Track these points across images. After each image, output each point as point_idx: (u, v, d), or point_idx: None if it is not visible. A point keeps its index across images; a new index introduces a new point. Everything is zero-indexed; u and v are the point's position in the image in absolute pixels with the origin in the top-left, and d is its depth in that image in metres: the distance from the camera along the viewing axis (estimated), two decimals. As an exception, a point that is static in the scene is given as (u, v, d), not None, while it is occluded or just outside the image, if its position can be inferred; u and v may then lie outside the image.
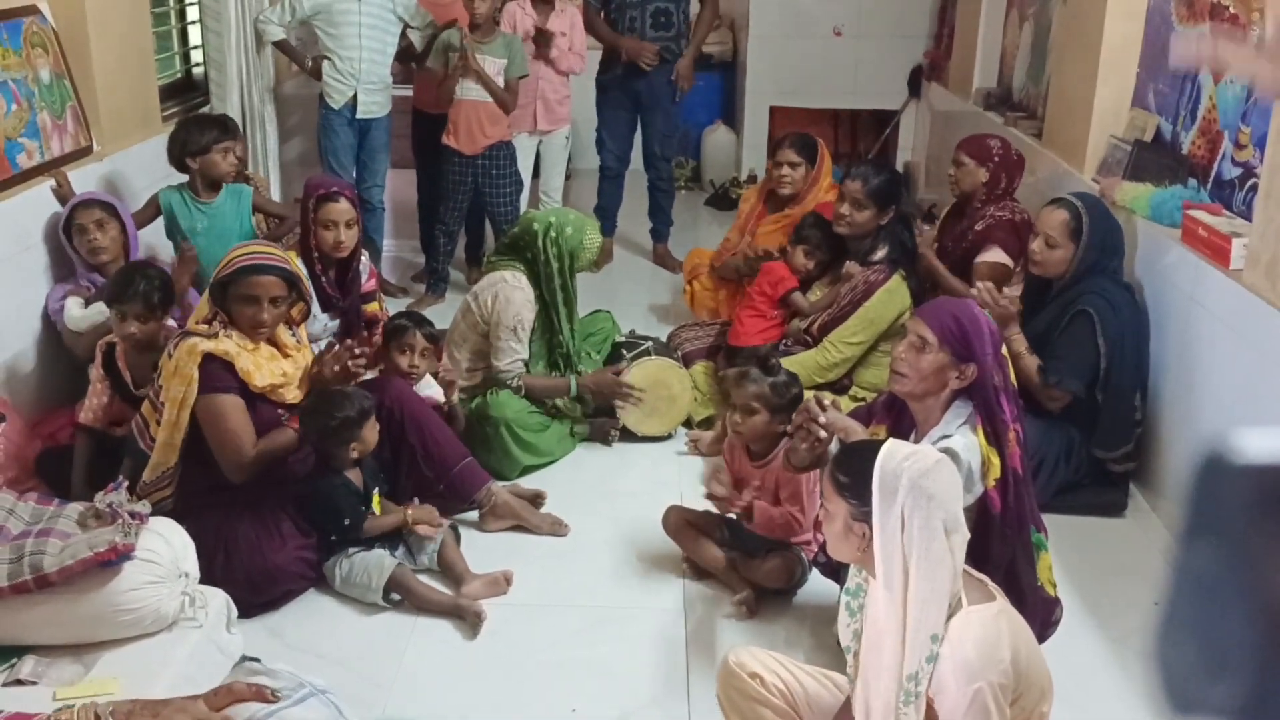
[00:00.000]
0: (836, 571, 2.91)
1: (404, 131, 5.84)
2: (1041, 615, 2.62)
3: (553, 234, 3.89)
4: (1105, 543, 3.48)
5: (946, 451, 2.55)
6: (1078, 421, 3.63)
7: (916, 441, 2.68)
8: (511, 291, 3.87)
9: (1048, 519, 2.74)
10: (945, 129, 6.78)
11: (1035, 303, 3.82)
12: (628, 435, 4.10)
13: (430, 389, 3.66)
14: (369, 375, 3.59)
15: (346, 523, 3.11)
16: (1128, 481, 3.71)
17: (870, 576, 2.18)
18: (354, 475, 3.19)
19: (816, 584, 3.13)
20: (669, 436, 4.13)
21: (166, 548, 2.51)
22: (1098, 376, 3.57)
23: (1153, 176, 4.00)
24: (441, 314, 4.66)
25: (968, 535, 2.04)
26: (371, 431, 3.19)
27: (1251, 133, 3.50)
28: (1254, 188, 3.46)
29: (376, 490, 3.26)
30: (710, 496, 3.13)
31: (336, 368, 3.20)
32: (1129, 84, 4.41)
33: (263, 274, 3.08)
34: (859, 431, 2.64)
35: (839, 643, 2.87)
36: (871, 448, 2.06)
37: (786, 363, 3.90)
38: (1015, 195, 4.35)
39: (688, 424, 4.18)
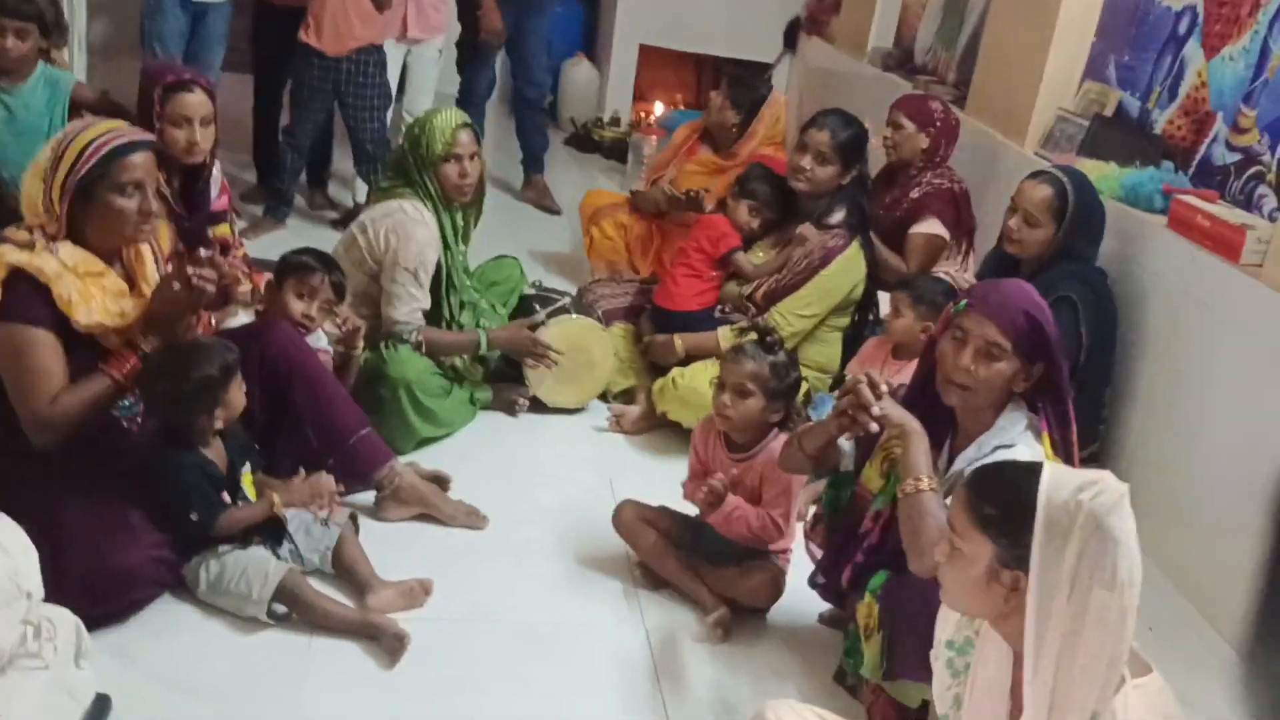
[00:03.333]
0: (842, 596, 2.45)
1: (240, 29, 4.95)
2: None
3: (415, 130, 3.24)
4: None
5: (1012, 465, 2.13)
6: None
7: (958, 451, 2.25)
8: (412, 226, 3.17)
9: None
10: (825, 89, 6.41)
11: (999, 284, 3.46)
12: (535, 406, 3.49)
13: (318, 340, 2.94)
14: (239, 318, 2.85)
15: (194, 517, 2.39)
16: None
17: (978, 630, 1.72)
18: (213, 450, 2.47)
19: (786, 600, 2.66)
20: (583, 409, 3.55)
21: (2, 558, 1.75)
22: (1075, 369, 3.25)
23: (1115, 155, 3.71)
24: (283, 245, 3.87)
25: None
26: (238, 393, 2.48)
27: (1258, 116, 3.23)
28: (1257, 176, 3.20)
29: (247, 467, 2.55)
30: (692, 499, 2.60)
31: (177, 285, 2.40)
32: (1083, 54, 4.12)
33: (136, 153, 2.33)
34: (917, 427, 2.15)
35: (840, 680, 2.45)
36: (1027, 471, 1.58)
37: (729, 329, 3.42)
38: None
39: (603, 397, 3.62)
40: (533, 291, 3.70)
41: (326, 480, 2.56)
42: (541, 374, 3.43)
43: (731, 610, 2.60)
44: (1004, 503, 1.57)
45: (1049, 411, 2.19)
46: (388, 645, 2.36)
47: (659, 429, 3.47)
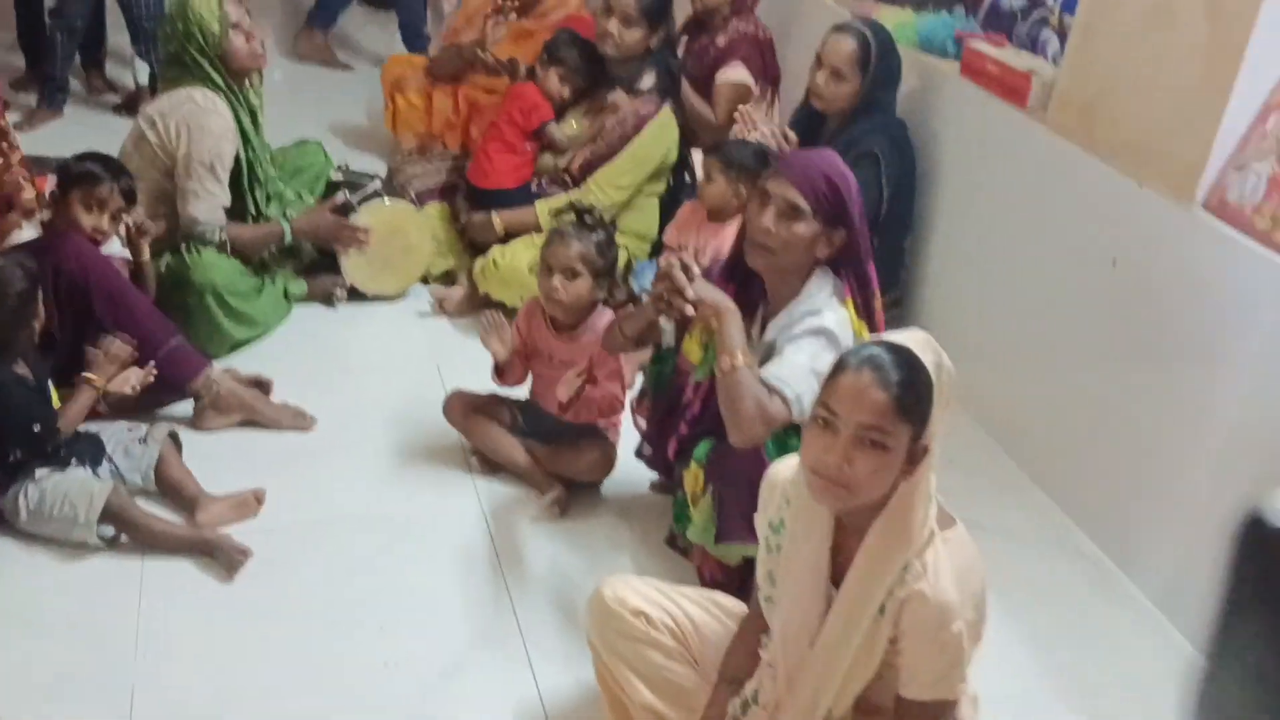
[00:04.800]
0: (669, 467, 2.54)
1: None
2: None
3: (177, 24, 3.03)
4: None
5: (821, 331, 2.23)
6: (853, 267, 3.44)
7: (770, 318, 2.33)
8: (204, 117, 3.00)
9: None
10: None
11: (808, 140, 3.52)
12: (355, 295, 3.42)
13: (111, 247, 2.79)
14: (25, 232, 2.68)
15: (37, 429, 2.32)
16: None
17: (789, 500, 1.81)
18: (21, 368, 2.37)
19: (618, 472, 2.75)
20: (404, 295, 3.50)
21: None
22: (877, 219, 3.38)
23: (911, 1, 3.78)
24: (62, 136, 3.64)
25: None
26: (41, 303, 2.39)
27: (1042, -39, 3.32)
28: (1042, 20, 3.32)
29: (49, 382, 2.46)
30: (561, 404, 2.63)
31: None
32: (876, -102, 4.12)
33: None
34: (731, 307, 2.22)
35: (671, 544, 2.57)
36: (908, 351, 1.64)
37: (546, 206, 3.41)
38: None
39: (424, 280, 3.56)
40: (340, 177, 3.57)
41: (117, 345, 2.49)
42: (358, 262, 3.35)
43: (567, 487, 2.67)
44: (917, 385, 1.62)
45: (850, 276, 2.28)
46: (225, 560, 2.34)
47: (483, 310, 3.46)
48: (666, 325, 2.47)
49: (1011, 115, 3.14)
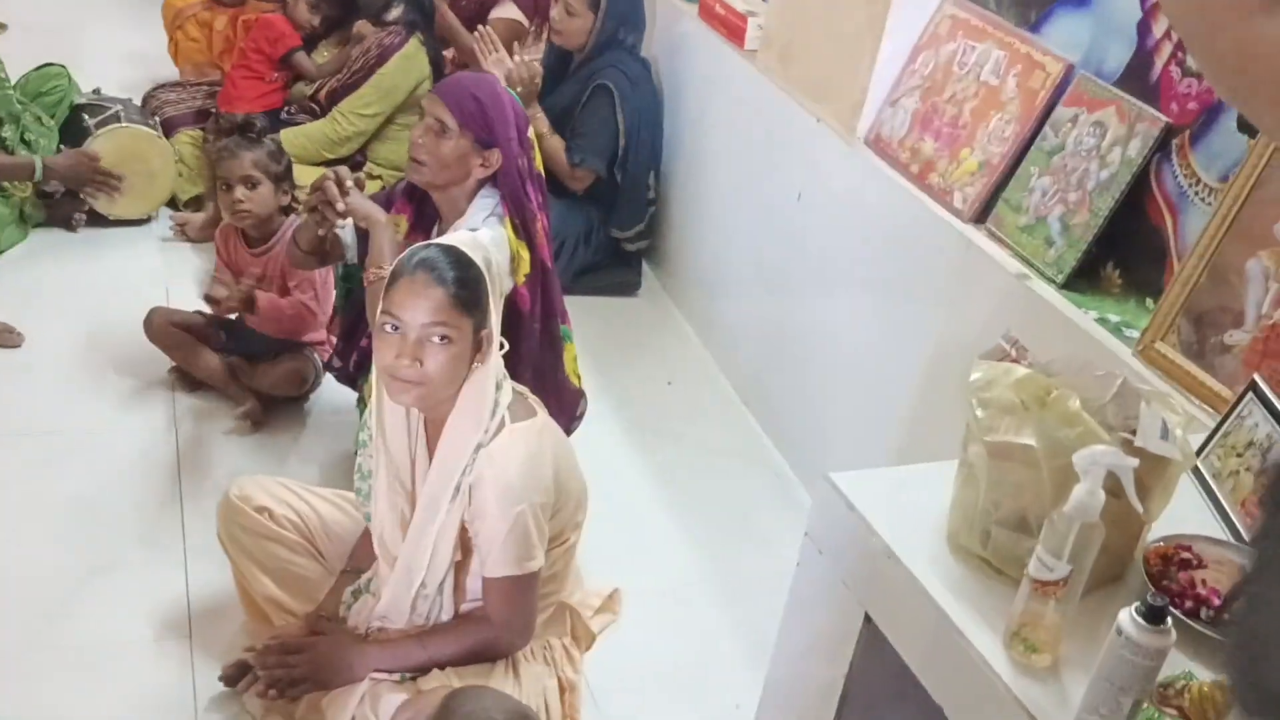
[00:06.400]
0: (354, 379, 2.64)
1: None
2: (568, 409, 2.55)
3: None
4: (622, 322, 3.50)
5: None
6: (598, 201, 3.57)
7: (440, 234, 2.43)
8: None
9: (568, 301, 2.62)
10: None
11: (557, 76, 3.63)
12: (96, 219, 3.44)
13: None
14: None
15: None
16: (641, 260, 3.75)
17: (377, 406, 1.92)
18: None
19: (330, 389, 2.84)
20: (149, 220, 3.52)
21: None
22: (617, 155, 3.50)
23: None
24: None
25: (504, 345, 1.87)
26: None
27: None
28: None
29: None
30: (210, 299, 2.68)
31: None
32: None
33: None
34: (382, 218, 2.32)
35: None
36: (468, 253, 1.77)
37: (291, 133, 3.46)
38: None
39: (173, 205, 3.59)
40: (84, 100, 3.56)
41: None
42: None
43: (265, 403, 2.75)
44: (468, 281, 1.75)
45: (508, 198, 2.39)
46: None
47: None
48: (349, 238, 2.56)
49: (732, 56, 3.28)
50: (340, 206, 2.29)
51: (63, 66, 3.61)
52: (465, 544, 1.87)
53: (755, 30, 3.23)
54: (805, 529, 1.54)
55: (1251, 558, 0.83)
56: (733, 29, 3.30)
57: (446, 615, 1.93)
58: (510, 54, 3.43)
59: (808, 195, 2.89)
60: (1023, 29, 2.38)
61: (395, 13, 3.55)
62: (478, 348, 1.79)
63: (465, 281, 1.75)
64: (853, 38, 2.71)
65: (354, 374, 2.62)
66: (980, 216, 2.33)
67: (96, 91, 3.67)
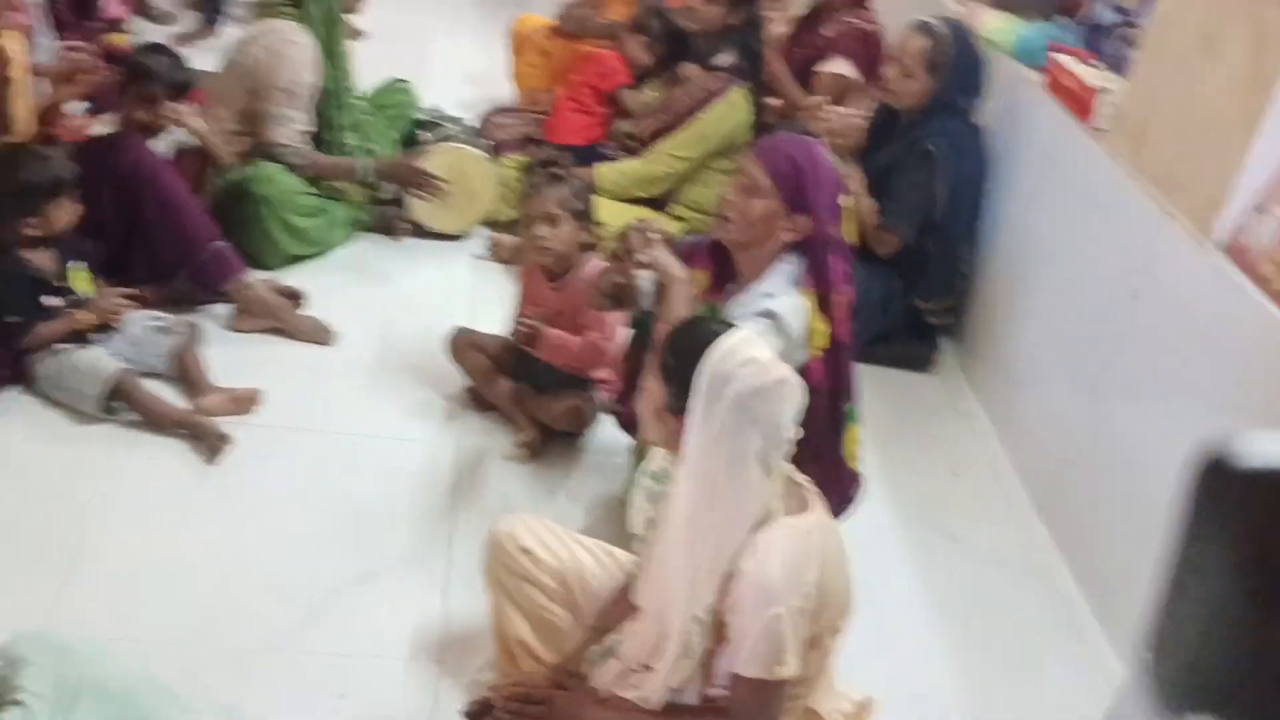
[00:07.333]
0: (632, 424, 2.61)
1: None
2: (841, 491, 2.41)
3: None
4: (910, 400, 3.31)
5: (768, 314, 2.24)
6: (901, 269, 3.39)
7: (736, 293, 2.36)
8: (285, 46, 3.23)
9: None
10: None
11: (883, 135, 3.48)
12: (418, 231, 3.61)
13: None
14: (98, 128, 2.96)
15: (10, 320, 2.57)
16: (937, 335, 3.54)
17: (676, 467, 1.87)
18: (37, 255, 2.62)
19: (608, 429, 2.82)
20: (465, 237, 3.67)
21: None
22: (931, 222, 3.32)
23: (1021, 8, 3.66)
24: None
25: (793, 439, 1.75)
26: (64, 211, 2.62)
27: (1139, -25, 3.17)
28: (1125, 37, 3.17)
29: (76, 266, 2.70)
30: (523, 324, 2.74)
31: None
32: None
33: None
34: (680, 274, 2.27)
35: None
36: (711, 332, 1.70)
37: (607, 168, 3.50)
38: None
39: (490, 225, 3.71)
40: (424, 115, 3.76)
41: (111, 300, 2.69)
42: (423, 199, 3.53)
43: (546, 435, 2.77)
44: (683, 356, 1.69)
45: (811, 265, 2.29)
46: (209, 444, 2.56)
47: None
48: (647, 286, 2.53)
49: (1075, 133, 3.02)
50: (642, 258, 2.26)
51: (406, 82, 3.82)
52: (720, 631, 1.78)
53: (1105, 106, 2.96)
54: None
55: (1169, 570, 0.92)
56: (1079, 103, 3.04)
57: (691, 696, 1.84)
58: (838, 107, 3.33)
59: (1145, 293, 2.60)
60: None
61: (725, 59, 3.53)
62: (664, 421, 1.73)
63: (674, 350, 1.72)
64: (1223, 128, 2.41)
65: (632, 419, 2.59)
66: (1358, 353, 2.00)
67: (435, 109, 3.87)
